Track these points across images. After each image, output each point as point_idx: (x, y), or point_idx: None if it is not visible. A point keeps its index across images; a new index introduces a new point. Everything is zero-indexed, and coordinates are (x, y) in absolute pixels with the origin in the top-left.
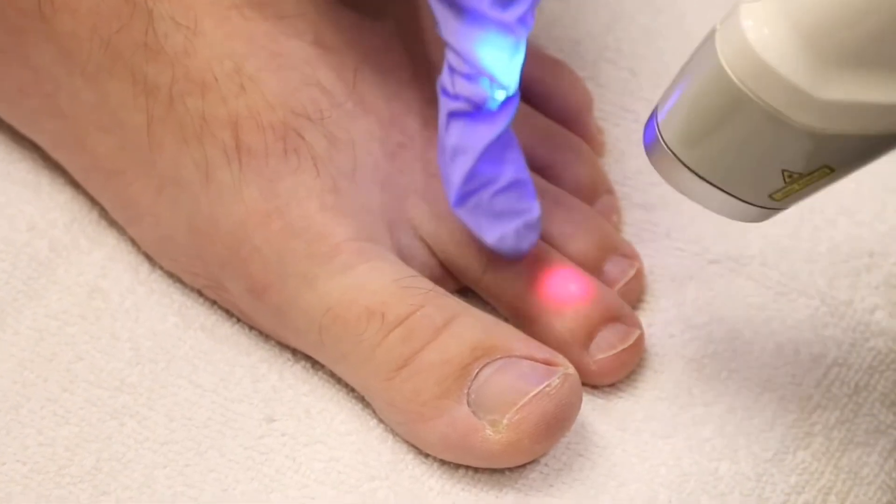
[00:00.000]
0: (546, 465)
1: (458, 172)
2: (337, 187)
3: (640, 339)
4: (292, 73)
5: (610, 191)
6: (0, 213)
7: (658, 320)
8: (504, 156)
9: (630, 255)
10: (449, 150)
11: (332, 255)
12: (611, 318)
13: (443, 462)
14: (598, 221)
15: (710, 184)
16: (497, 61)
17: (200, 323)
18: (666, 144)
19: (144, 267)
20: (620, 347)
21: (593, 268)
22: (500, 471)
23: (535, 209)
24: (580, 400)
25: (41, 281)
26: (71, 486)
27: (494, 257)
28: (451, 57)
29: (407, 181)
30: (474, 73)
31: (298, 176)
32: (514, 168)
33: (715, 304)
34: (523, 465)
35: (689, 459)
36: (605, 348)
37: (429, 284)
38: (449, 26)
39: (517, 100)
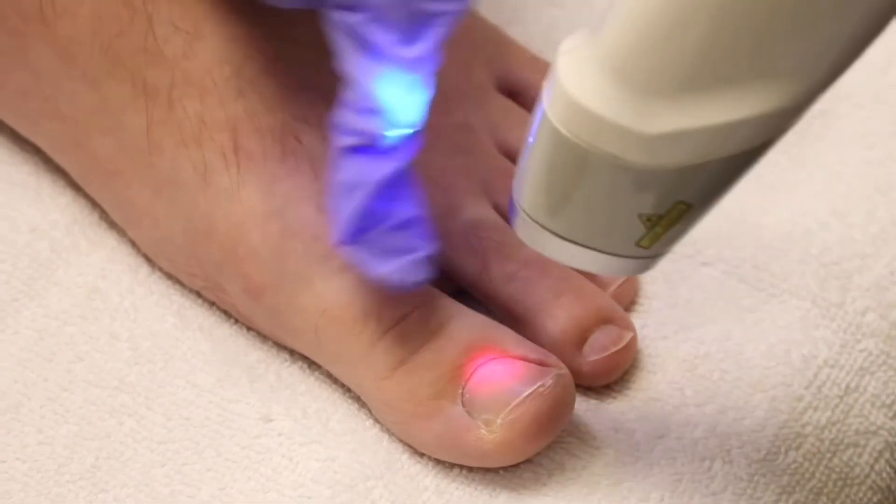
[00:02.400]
0: (539, 464)
1: (347, 209)
2: None
3: (633, 340)
4: (290, 77)
5: None
6: (1, 215)
7: (651, 322)
8: (399, 193)
9: None
10: (340, 186)
11: (329, 257)
12: (604, 319)
13: (438, 461)
14: None
15: (577, 244)
16: (397, 98)
17: (199, 323)
18: (527, 213)
19: (144, 268)
20: (613, 349)
21: None
22: (494, 470)
23: (425, 248)
24: (573, 400)
25: (41, 282)
26: (70, 483)
27: (490, 259)
28: (347, 91)
29: None
30: (372, 109)
31: (296, 178)
32: (409, 206)
33: (707, 306)
34: (517, 465)
35: (682, 459)
36: (597, 350)
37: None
38: (349, 59)
39: (419, 139)
